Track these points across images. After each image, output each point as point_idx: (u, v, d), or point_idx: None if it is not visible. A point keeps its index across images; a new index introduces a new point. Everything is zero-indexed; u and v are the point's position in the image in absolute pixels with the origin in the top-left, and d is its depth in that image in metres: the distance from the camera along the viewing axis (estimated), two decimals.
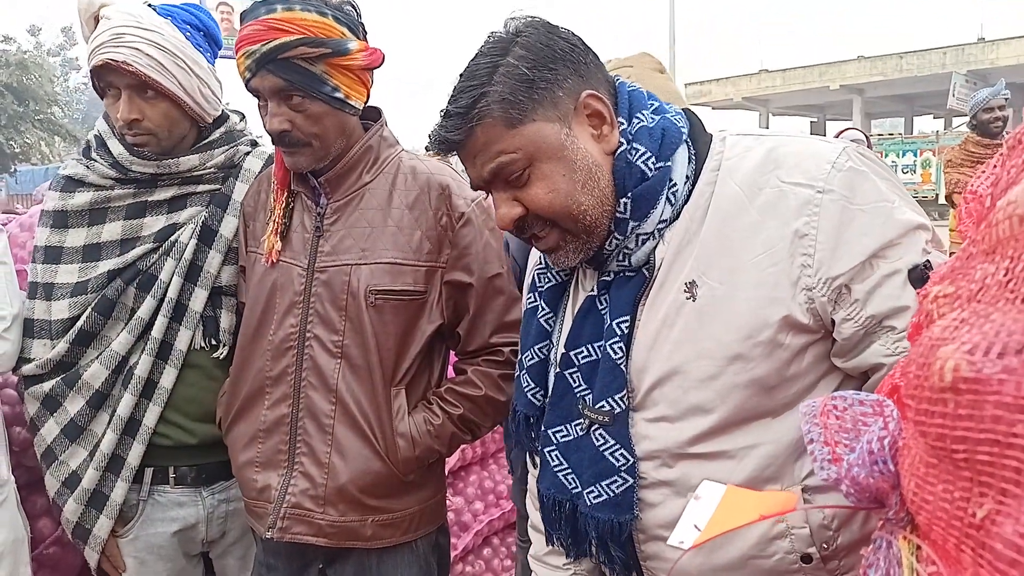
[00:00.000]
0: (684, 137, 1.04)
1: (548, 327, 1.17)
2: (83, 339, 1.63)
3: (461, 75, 1.04)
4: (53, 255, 1.66)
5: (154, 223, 1.66)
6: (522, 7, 1.09)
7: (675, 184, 1.02)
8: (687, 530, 0.59)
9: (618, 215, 1.03)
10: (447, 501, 2.47)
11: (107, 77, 1.57)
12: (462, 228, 1.53)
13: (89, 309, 1.62)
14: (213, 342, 1.67)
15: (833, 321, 0.93)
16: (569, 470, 1.10)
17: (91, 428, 1.64)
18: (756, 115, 30.90)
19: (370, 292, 1.48)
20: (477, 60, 1.03)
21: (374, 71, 1.53)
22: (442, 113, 1.04)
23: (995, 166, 0.60)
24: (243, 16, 1.43)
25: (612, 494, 1.04)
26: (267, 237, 1.56)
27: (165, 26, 1.59)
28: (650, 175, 1.01)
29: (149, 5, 1.63)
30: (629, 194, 1.02)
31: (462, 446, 2.50)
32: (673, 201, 1.02)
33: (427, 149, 1.18)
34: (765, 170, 0.97)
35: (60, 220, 1.67)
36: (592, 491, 1.05)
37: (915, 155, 19.67)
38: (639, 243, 1.04)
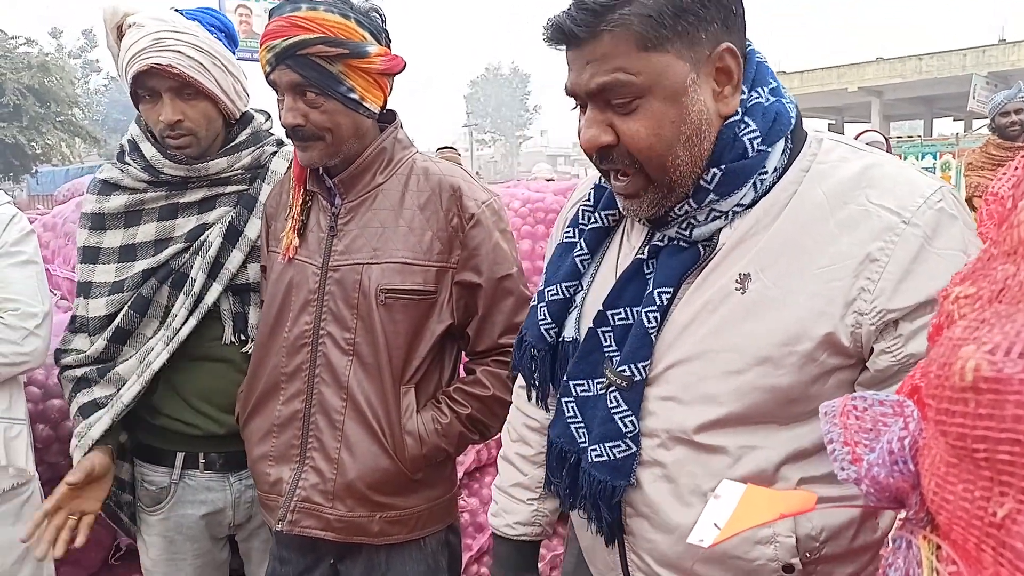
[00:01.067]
0: (791, 127, 0.99)
1: (582, 268, 1.14)
2: (120, 336, 1.69)
3: None
4: (91, 255, 1.73)
5: (185, 223, 1.71)
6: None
7: (766, 171, 0.97)
8: (707, 528, 0.59)
9: (702, 182, 0.97)
10: (462, 502, 2.48)
11: (149, 82, 1.62)
12: (472, 229, 1.54)
13: (126, 307, 1.68)
14: (243, 337, 1.73)
15: (872, 350, 0.92)
16: (582, 424, 1.09)
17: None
18: None
19: (381, 291, 1.51)
20: None
21: (394, 76, 1.56)
22: (572, 3, 0.93)
23: (1017, 168, 0.60)
24: (271, 12, 1.49)
25: (613, 457, 1.03)
26: (285, 233, 1.60)
27: (197, 28, 1.64)
28: (751, 154, 0.96)
29: (176, 10, 1.68)
30: (723, 166, 0.96)
31: (478, 447, 2.52)
32: (758, 189, 0.97)
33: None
34: (857, 186, 0.93)
35: (98, 222, 1.74)
36: (596, 449, 1.05)
37: (935, 157, 19.43)
38: (708, 218, 0.99)
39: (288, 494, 1.54)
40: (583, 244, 1.15)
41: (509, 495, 1.33)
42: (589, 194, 1.18)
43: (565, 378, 1.12)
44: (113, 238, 1.72)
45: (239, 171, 1.73)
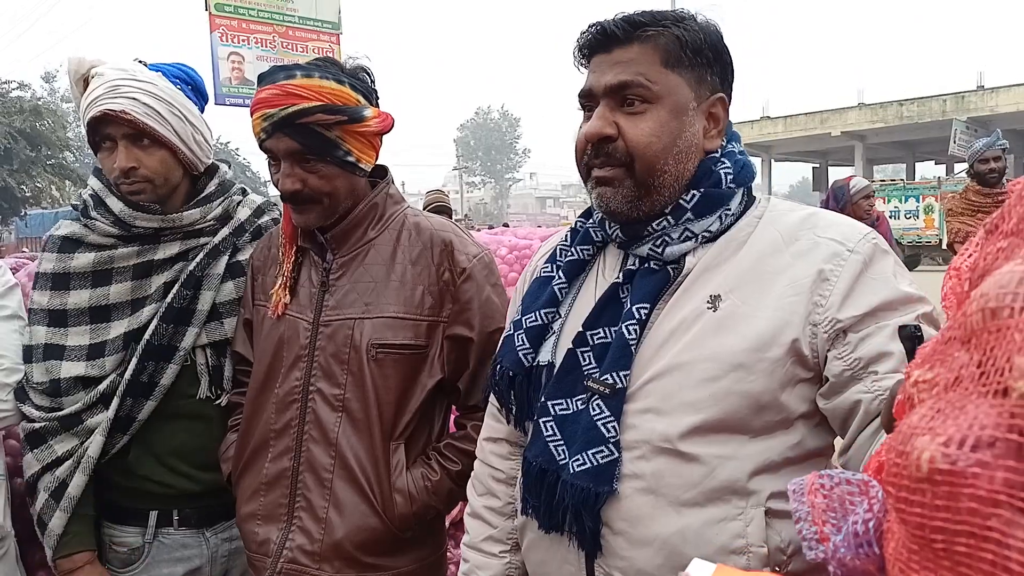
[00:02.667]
0: (751, 181, 1.17)
1: (560, 296, 1.22)
2: (103, 400, 1.64)
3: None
4: (59, 318, 1.66)
5: (159, 280, 1.68)
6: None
7: (730, 209, 1.12)
8: None
9: (682, 201, 1.11)
10: (450, 553, 2.45)
11: (104, 129, 1.61)
12: (464, 283, 1.55)
13: (113, 375, 1.63)
14: (218, 391, 1.71)
15: (826, 359, 1.02)
16: (561, 441, 1.12)
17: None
18: (759, 160, 31.18)
19: (372, 346, 1.50)
20: (666, 10, 1.13)
21: (383, 135, 1.59)
22: (615, 15, 1.11)
23: (975, 244, 0.61)
24: (261, 79, 1.49)
25: (595, 463, 1.06)
26: (275, 291, 1.59)
27: (158, 78, 1.64)
28: (723, 187, 1.12)
29: (140, 61, 1.69)
30: (703, 189, 1.11)
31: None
32: (723, 221, 1.11)
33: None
34: (804, 226, 1.09)
35: (61, 282, 1.67)
36: (578, 459, 1.08)
37: (917, 200, 19.73)
38: (681, 237, 1.11)
39: (275, 555, 1.51)
40: (561, 275, 1.23)
41: (480, 550, 1.33)
42: (565, 236, 1.28)
43: (543, 399, 1.15)
44: (79, 298, 1.65)
45: (211, 222, 1.71)
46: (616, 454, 1.06)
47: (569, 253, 1.24)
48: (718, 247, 1.10)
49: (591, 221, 1.25)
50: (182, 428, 1.68)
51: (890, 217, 18.86)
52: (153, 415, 1.65)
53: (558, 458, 1.11)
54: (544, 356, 1.19)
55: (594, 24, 1.11)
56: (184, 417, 1.69)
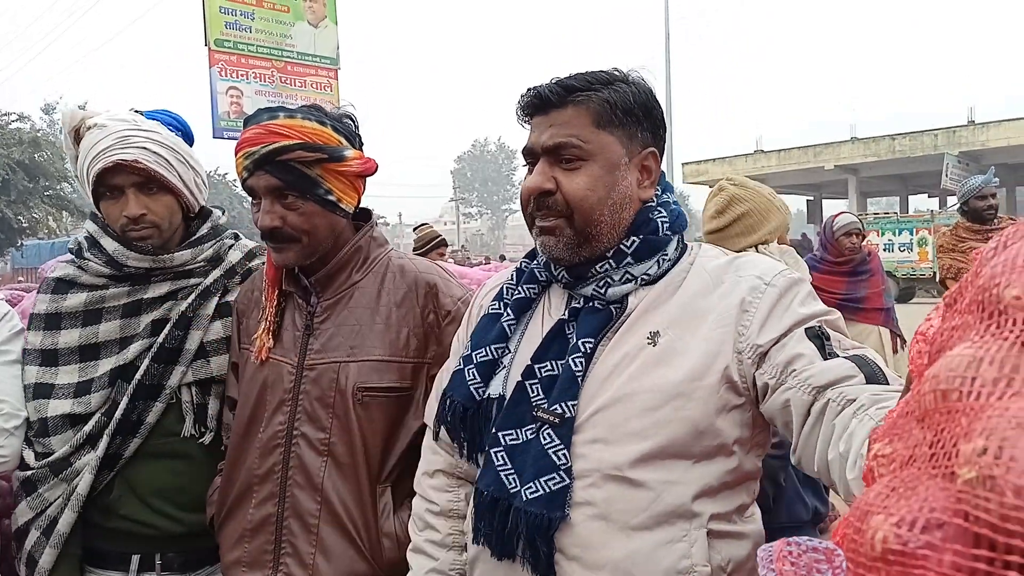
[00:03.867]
0: (684, 229, 1.27)
1: (509, 332, 1.27)
2: (89, 441, 1.65)
3: (580, 70, 1.21)
4: (50, 358, 1.68)
5: (148, 319, 1.70)
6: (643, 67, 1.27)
7: (667, 254, 1.22)
8: None
9: (622, 246, 1.20)
10: None
11: (112, 179, 1.63)
12: (448, 325, 1.56)
13: (99, 415, 1.64)
14: (203, 429, 1.71)
15: (755, 383, 1.11)
16: (512, 471, 1.15)
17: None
18: None
19: (358, 389, 1.51)
20: (599, 71, 1.20)
21: (367, 178, 1.61)
22: (549, 80, 1.20)
23: (938, 314, 0.63)
24: (246, 122, 1.53)
25: (548, 490, 1.11)
26: (259, 335, 1.60)
27: (158, 126, 1.68)
28: (660, 234, 1.21)
29: (136, 111, 1.73)
30: (641, 236, 1.20)
31: None
32: (660, 266, 1.21)
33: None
34: (728, 270, 1.20)
35: (53, 322, 1.70)
36: (530, 487, 1.12)
37: (911, 233, 19.86)
38: (622, 280, 1.20)
39: None
40: (509, 312, 1.29)
41: None
42: (512, 275, 1.35)
43: (494, 429, 1.19)
44: (69, 337, 1.68)
45: (201, 263, 1.74)
46: (567, 481, 1.11)
47: (516, 291, 1.30)
48: (657, 290, 1.20)
49: (536, 262, 1.32)
50: (165, 467, 1.68)
51: (884, 250, 18.97)
52: (137, 453, 1.66)
53: (509, 487, 1.15)
54: (495, 389, 1.23)
55: (532, 88, 1.20)
56: (168, 456, 1.69)
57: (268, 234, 1.51)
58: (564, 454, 1.11)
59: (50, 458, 1.63)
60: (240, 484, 1.57)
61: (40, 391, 1.66)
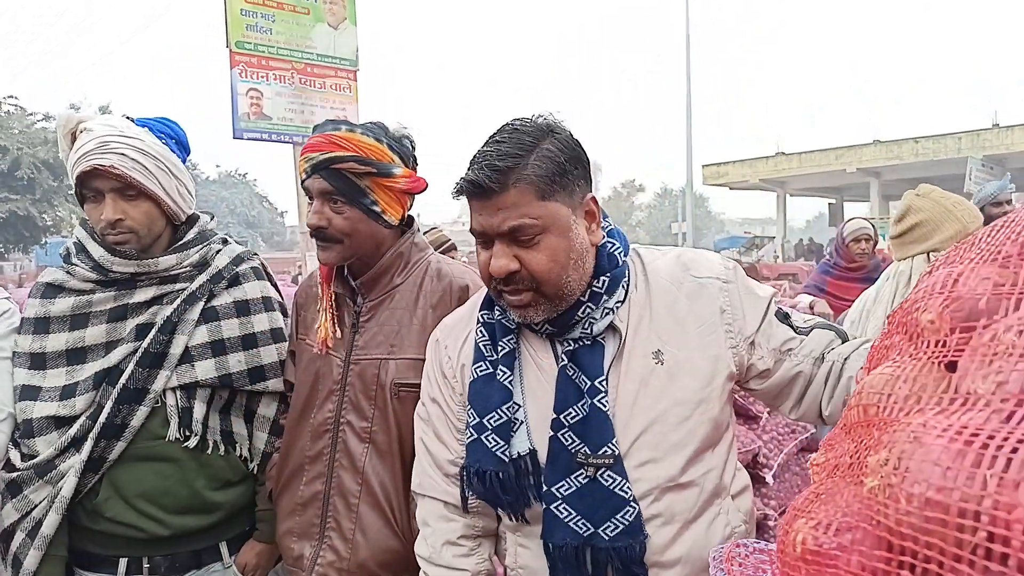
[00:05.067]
0: (628, 248, 1.35)
1: (511, 388, 1.29)
2: (74, 444, 1.67)
3: (498, 141, 1.20)
4: (39, 361, 1.71)
5: (134, 323, 1.73)
6: (551, 110, 1.27)
7: (628, 278, 1.30)
8: None
9: (594, 289, 1.25)
10: None
11: (92, 183, 1.67)
12: None
13: (83, 418, 1.67)
14: (187, 433, 1.72)
15: (748, 367, 1.30)
16: (579, 517, 1.22)
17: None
18: (774, 196, 31.20)
19: (395, 385, 1.63)
20: (517, 134, 1.20)
21: (415, 195, 1.72)
22: (481, 163, 1.18)
23: (887, 330, 0.66)
24: (314, 129, 1.68)
25: (627, 523, 1.20)
26: (321, 326, 1.73)
27: (145, 133, 1.71)
28: (620, 263, 1.29)
29: (128, 117, 1.76)
30: (608, 274, 1.26)
31: None
32: (625, 290, 1.29)
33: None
34: (680, 270, 1.32)
35: (42, 326, 1.72)
36: (608, 526, 1.20)
37: None
38: (603, 314, 1.26)
39: (308, 569, 1.68)
40: (503, 368, 1.30)
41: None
42: (480, 332, 1.35)
43: (545, 487, 1.24)
44: (57, 341, 1.71)
45: (187, 268, 1.77)
46: (638, 508, 1.21)
47: (500, 346, 1.32)
48: (635, 308, 1.29)
49: (499, 313, 1.34)
50: (151, 470, 1.70)
51: None
52: (123, 456, 1.68)
53: (582, 532, 1.21)
54: (522, 447, 1.27)
55: (468, 178, 1.18)
56: (153, 459, 1.71)
57: (314, 231, 1.65)
58: (628, 487, 1.20)
59: (35, 460, 1.65)
60: (294, 462, 1.73)
61: (27, 394, 1.68)
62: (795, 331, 1.32)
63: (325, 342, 1.70)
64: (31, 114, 27.97)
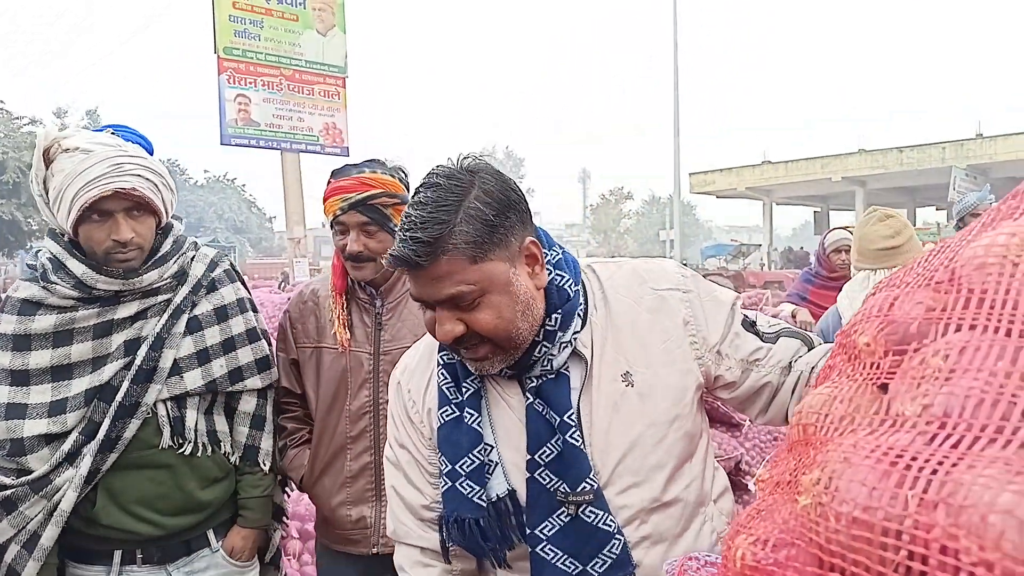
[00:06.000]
0: (578, 272, 1.31)
1: (480, 429, 1.26)
2: (68, 459, 1.69)
3: (422, 202, 1.12)
4: (21, 378, 1.70)
5: (120, 339, 1.74)
6: (475, 150, 1.26)
7: (583, 304, 1.28)
8: None
9: (547, 328, 1.22)
10: None
11: (104, 205, 1.65)
12: None
13: (75, 433, 1.69)
14: (180, 441, 1.79)
15: (714, 376, 1.30)
16: (565, 556, 1.20)
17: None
18: (760, 204, 31.41)
19: None
20: (440, 194, 1.12)
21: None
22: (408, 235, 1.11)
23: (833, 355, 0.68)
24: (335, 173, 2.00)
25: (614, 557, 1.20)
26: (336, 331, 2.01)
27: (140, 150, 1.72)
28: (571, 295, 1.25)
29: (113, 132, 1.76)
30: (560, 311, 1.23)
31: None
32: (582, 317, 1.27)
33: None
34: (638, 284, 1.31)
35: (22, 343, 1.71)
36: (596, 562, 1.19)
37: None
38: (560, 349, 1.24)
39: (374, 526, 1.96)
40: (469, 411, 1.27)
41: None
42: (442, 374, 1.32)
43: (528, 530, 1.22)
44: (40, 358, 1.70)
45: (168, 280, 1.79)
46: (623, 539, 1.20)
47: (465, 388, 1.29)
48: (598, 332, 1.27)
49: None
50: (146, 477, 1.75)
51: None
52: (118, 467, 1.71)
53: (571, 571, 1.20)
54: (499, 489, 1.24)
55: (394, 255, 1.14)
56: (147, 467, 1.76)
57: (354, 256, 1.95)
58: (612, 520, 1.19)
59: (29, 476, 1.67)
60: (333, 446, 2.00)
61: (13, 411, 1.67)
62: (762, 339, 1.31)
63: (344, 343, 1.98)
64: (17, 118, 27.81)
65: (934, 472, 0.40)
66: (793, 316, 4.34)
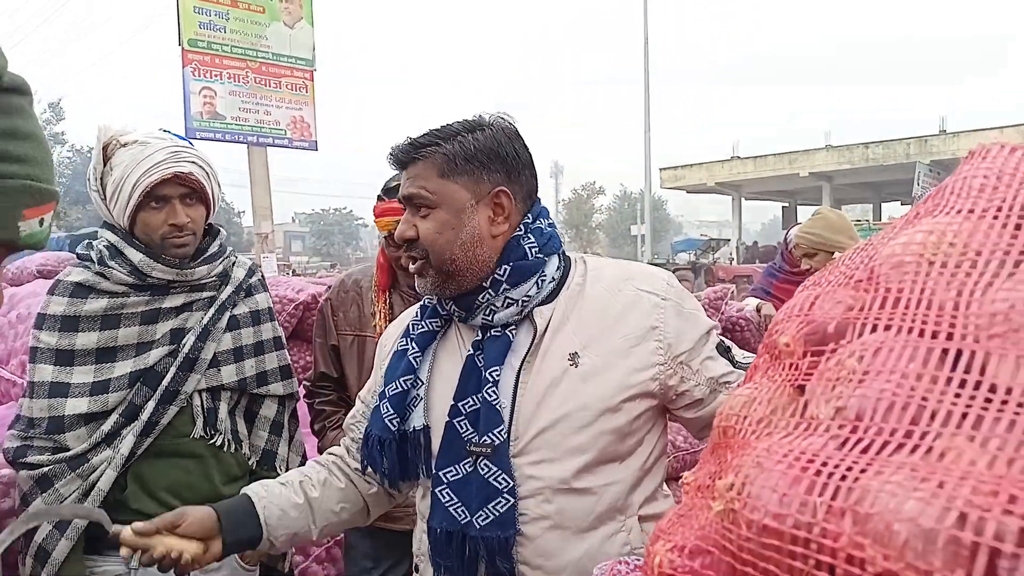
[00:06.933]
0: (560, 250, 1.38)
1: (415, 364, 1.38)
2: (107, 440, 1.75)
3: (439, 126, 1.33)
4: (65, 357, 1.77)
5: (165, 327, 1.83)
6: (504, 111, 1.38)
7: (545, 276, 1.32)
8: None
9: (495, 276, 1.30)
10: None
11: (162, 191, 1.76)
12: None
13: (116, 414, 1.76)
14: (212, 432, 1.86)
15: (675, 391, 1.29)
16: (459, 503, 1.26)
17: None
18: (729, 199, 31.67)
19: None
20: (454, 123, 1.33)
21: None
22: (408, 138, 1.33)
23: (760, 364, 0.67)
24: (388, 191, 2.12)
25: (497, 514, 1.22)
26: (378, 323, 2.14)
27: (188, 144, 1.85)
28: (530, 258, 1.31)
29: (165, 131, 1.89)
30: (511, 264, 1.30)
31: None
32: (540, 286, 1.31)
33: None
34: (622, 278, 1.34)
35: (70, 324, 1.78)
36: (480, 514, 1.23)
37: None
38: (504, 305, 1.30)
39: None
40: (413, 346, 1.39)
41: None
42: (416, 312, 1.46)
43: (434, 470, 1.31)
44: (87, 339, 1.77)
45: (213, 279, 1.90)
46: (512, 500, 1.22)
47: (420, 326, 1.41)
48: (560, 309, 1.32)
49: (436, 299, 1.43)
50: (176, 465, 1.81)
51: None
52: (151, 453, 1.78)
53: (460, 519, 1.25)
54: (417, 421, 1.34)
55: (392, 148, 1.35)
56: (179, 455, 1.81)
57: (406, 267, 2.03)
58: (504, 478, 1.23)
59: (67, 454, 1.72)
60: None
61: (56, 390, 1.74)
62: (734, 365, 1.33)
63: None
64: None
65: (843, 478, 0.39)
66: (758, 310, 4.36)
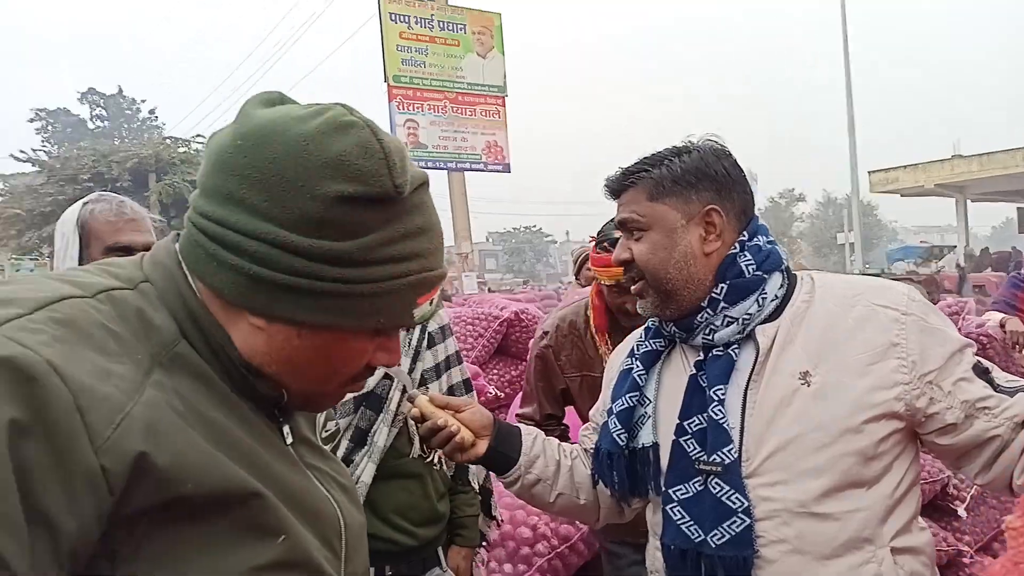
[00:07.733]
0: (783, 267, 1.35)
1: (641, 382, 1.40)
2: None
3: (649, 154, 1.38)
4: None
5: None
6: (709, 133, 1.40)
7: (766, 293, 1.30)
8: None
9: (713, 295, 1.30)
10: None
11: None
12: None
13: (346, 441, 1.80)
14: (429, 451, 1.88)
15: (923, 413, 1.21)
16: (691, 522, 1.25)
17: None
18: (952, 202, 28.76)
19: None
20: (663, 150, 1.37)
21: None
22: (620, 169, 1.39)
23: None
24: (600, 243, 2.11)
25: (733, 533, 1.20)
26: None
27: None
28: (747, 276, 1.30)
29: None
30: (728, 282, 1.30)
31: None
32: (761, 304, 1.29)
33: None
34: (854, 293, 1.30)
35: None
36: (715, 534, 1.22)
37: None
38: (724, 323, 1.30)
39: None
40: (639, 364, 1.42)
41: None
42: (641, 334, 1.49)
43: (664, 488, 1.31)
44: None
45: None
46: (748, 520, 1.20)
47: (645, 346, 1.44)
48: (784, 327, 1.29)
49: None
50: (399, 486, 1.85)
51: None
52: (377, 475, 1.80)
53: (693, 537, 1.25)
54: (646, 439, 1.36)
55: (607, 178, 1.40)
56: (401, 476, 1.85)
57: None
58: (737, 498, 1.21)
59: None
60: None
61: None
62: (995, 389, 1.22)
63: None
64: (199, 135, 29.69)
65: None
66: (1002, 325, 3.86)
